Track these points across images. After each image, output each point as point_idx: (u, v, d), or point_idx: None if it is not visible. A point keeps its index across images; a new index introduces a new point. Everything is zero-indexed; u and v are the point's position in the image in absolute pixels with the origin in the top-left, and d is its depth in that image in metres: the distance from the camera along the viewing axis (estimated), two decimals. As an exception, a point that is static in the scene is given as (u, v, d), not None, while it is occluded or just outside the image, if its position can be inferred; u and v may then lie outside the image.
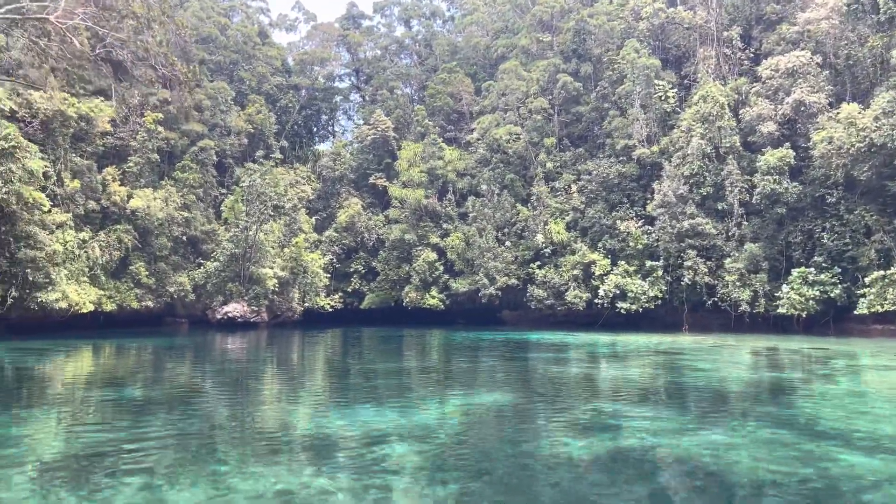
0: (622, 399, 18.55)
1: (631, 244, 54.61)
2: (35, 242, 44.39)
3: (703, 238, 51.51)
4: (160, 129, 55.10)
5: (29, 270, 44.15)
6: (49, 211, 46.62)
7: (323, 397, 19.30)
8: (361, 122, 76.01)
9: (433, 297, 63.18)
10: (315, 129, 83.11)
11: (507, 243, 60.45)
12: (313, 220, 66.92)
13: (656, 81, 57.43)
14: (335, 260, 66.73)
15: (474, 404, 17.32)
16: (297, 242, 59.25)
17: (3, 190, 40.79)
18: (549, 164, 60.93)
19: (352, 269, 68.19)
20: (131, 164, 54.09)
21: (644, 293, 52.65)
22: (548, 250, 58.64)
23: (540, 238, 58.38)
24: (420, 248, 64.12)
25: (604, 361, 30.51)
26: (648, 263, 53.84)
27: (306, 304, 61.97)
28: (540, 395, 19.32)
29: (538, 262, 59.17)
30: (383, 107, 72.33)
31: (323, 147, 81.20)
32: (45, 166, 45.96)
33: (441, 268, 63.82)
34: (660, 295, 52.86)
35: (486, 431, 14.23)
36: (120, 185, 53.07)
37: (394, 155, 69.88)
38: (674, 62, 62.57)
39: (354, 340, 47.23)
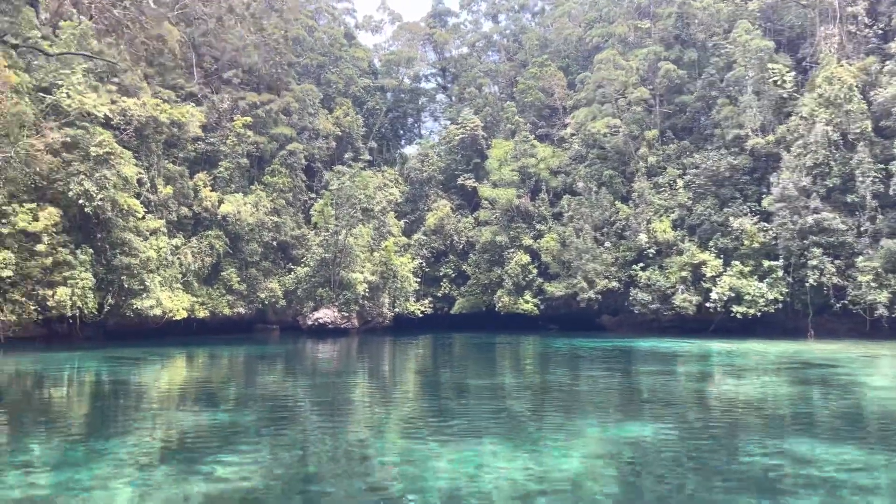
0: (800, 431, 15.13)
1: (746, 242, 50.02)
2: (130, 249, 44.28)
3: (829, 234, 46.47)
4: (249, 133, 54.55)
5: (124, 277, 44.07)
6: (143, 217, 46.54)
7: (422, 424, 16.50)
8: (448, 122, 73.89)
9: (527, 302, 60.22)
10: (401, 132, 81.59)
11: (607, 244, 56.82)
12: (402, 223, 65.17)
13: (770, 65, 52.59)
14: (424, 264, 64.76)
15: (613, 439, 14.26)
16: (386, 246, 57.56)
17: (99, 196, 40.68)
18: (651, 159, 56.92)
19: (441, 273, 66.06)
20: (221, 170, 53.71)
21: (762, 296, 48.00)
22: (651, 250, 54.68)
23: (643, 238, 54.50)
24: (512, 250, 61.29)
25: (742, 375, 26.85)
26: (766, 263, 49.13)
27: (396, 310, 60.19)
28: (692, 426, 16.00)
29: (641, 264, 55.27)
30: (471, 105, 69.92)
31: (409, 149, 79.66)
32: (139, 173, 45.91)
33: (535, 271, 60.78)
34: (780, 298, 48.08)
35: (655, 488, 10.78)
36: (211, 191, 52.75)
37: (483, 154, 67.36)
38: (788, 44, 57.40)
39: (446, 348, 44.95)
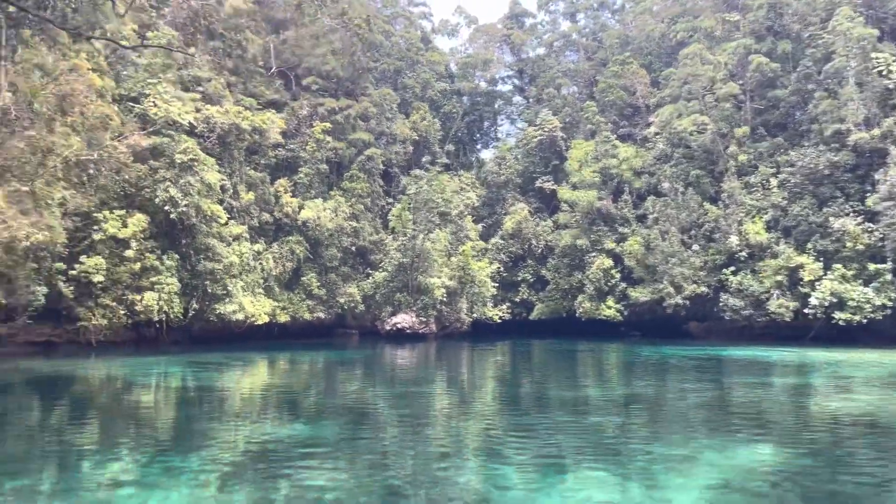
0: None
1: (848, 244, 46.68)
2: (213, 254, 45.00)
3: (945, 235, 42.80)
4: (328, 139, 54.83)
5: (208, 282, 44.81)
6: (226, 223, 47.27)
7: (507, 441, 15.12)
8: (525, 124, 72.55)
9: (609, 308, 58.21)
10: (478, 135, 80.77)
11: (695, 247, 54.25)
12: (479, 227, 64.26)
13: (874, 54, 48.99)
14: (502, 268, 63.63)
15: (732, 465, 12.51)
16: (464, 250, 56.76)
17: (184, 203, 41.45)
18: (742, 157, 54.02)
19: (519, 278, 64.77)
20: (301, 176, 54.16)
21: (868, 301, 44.61)
22: (743, 254, 51.81)
23: (734, 240, 51.71)
24: (593, 254, 59.41)
25: (854, 389, 24.55)
26: (872, 266, 45.70)
27: (474, 315, 59.27)
28: (816, 450, 14.04)
29: (732, 268, 52.48)
30: (549, 106, 68.41)
31: (486, 153, 78.76)
32: (222, 179, 46.68)
33: (617, 275, 58.70)
34: (888, 303, 44.55)
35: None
36: (291, 197, 53.25)
37: (561, 156, 65.74)
38: (892, 32, 53.44)
39: (526, 356, 43.72)
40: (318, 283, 53.89)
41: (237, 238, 48.25)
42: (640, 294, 56.34)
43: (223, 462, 12.37)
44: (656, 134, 60.77)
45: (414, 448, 13.67)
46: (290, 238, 52.51)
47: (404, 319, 54.98)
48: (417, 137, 64.21)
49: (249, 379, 29.12)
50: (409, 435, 15.07)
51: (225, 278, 45.36)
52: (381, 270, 56.69)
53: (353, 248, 56.36)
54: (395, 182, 63.54)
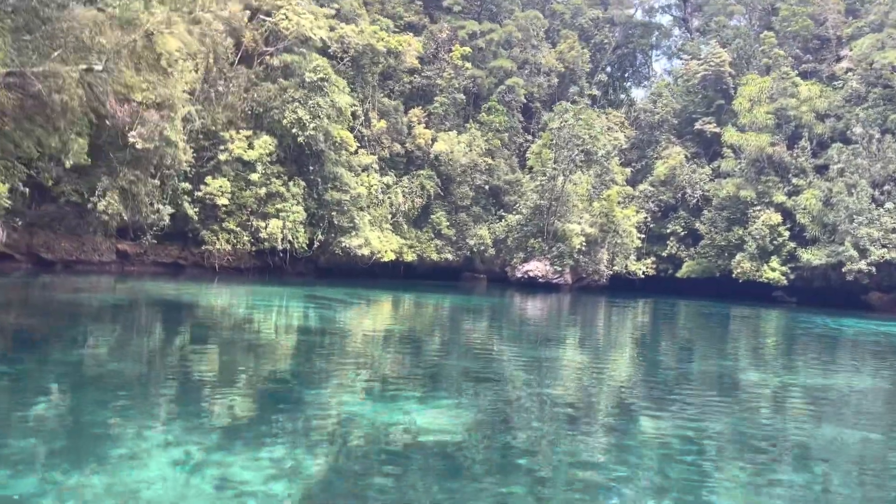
0: None
1: None
2: (341, 184, 42.47)
3: None
4: (467, 65, 50.53)
5: (334, 213, 42.43)
6: (356, 152, 44.59)
7: (651, 425, 10.83)
8: (687, 57, 64.51)
9: (773, 270, 50.93)
10: (629, 72, 73.25)
11: (888, 205, 45.78)
12: (627, 171, 58.07)
13: None
14: (649, 218, 57.39)
15: None
16: (609, 195, 51.20)
17: (312, 125, 38.81)
18: (961, 99, 44.54)
19: (668, 231, 58.28)
20: (437, 105, 50.41)
21: None
22: (954, 216, 43.06)
23: (942, 199, 42.98)
24: (759, 207, 51.97)
25: None
26: None
27: (615, 268, 53.90)
28: None
29: (936, 232, 43.89)
30: (717, 37, 60.12)
31: (637, 93, 71.45)
32: (353, 104, 43.76)
33: (786, 233, 51.12)
34: None
35: None
36: (425, 128, 49.74)
37: (728, 95, 57.84)
38: None
39: (671, 317, 38.21)
40: (448, 223, 50.47)
41: (366, 169, 45.51)
42: (812, 256, 48.73)
43: (341, 400, 11.32)
44: (848, 70, 51.71)
45: (535, 412, 11.58)
46: (422, 172, 49.20)
47: (537, 267, 50.61)
48: (563, 69, 58.46)
49: (371, 318, 26.27)
50: (532, 397, 12.61)
51: (352, 210, 42.82)
52: (514, 213, 52.40)
53: (487, 187, 52.28)
54: (535, 118, 58.48)
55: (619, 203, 52.54)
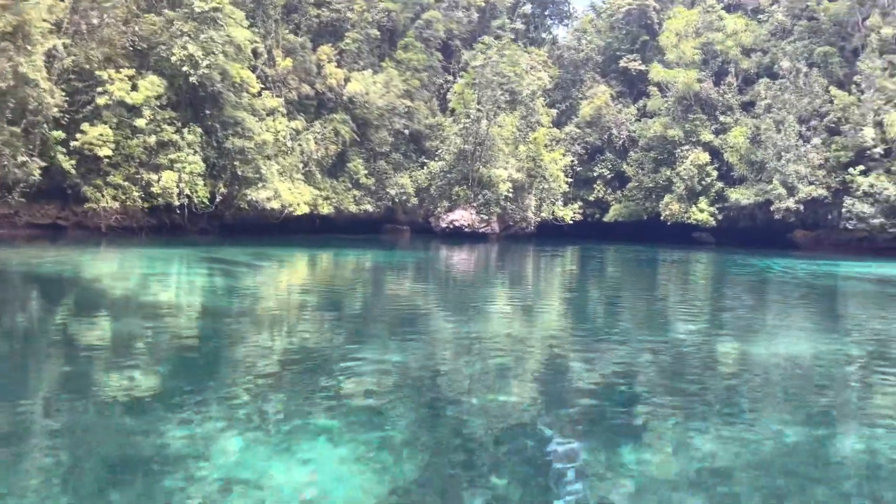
0: None
1: None
2: (243, 130, 38.03)
3: None
4: (381, -4, 46.25)
5: (237, 163, 38.04)
6: (259, 94, 40.10)
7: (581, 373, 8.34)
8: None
9: (701, 211, 49.91)
10: (549, 9, 69.92)
11: (815, 140, 45.01)
12: (554, 111, 55.47)
13: None
14: (576, 162, 55.28)
15: None
16: (535, 138, 48.58)
17: (205, 63, 34.08)
18: (887, 31, 43.70)
19: (595, 174, 56.50)
20: (349, 42, 46.09)
21: None
22: (878, 150, 42.55)
23: (868, 133, 42.36)
24: (687, 147, 50.63)
25: None
26: None
27: (542, 215, 51.71)
28: None
29: (861, 167, 43.40)
30: (642, -30, 57.61)
31: (559, 31, 68.47)
32: (254, 41, 39.05)
33: (714, 173, 50.04)
34: None
35: None
36: (336, 67, 45.39)
37: (652, 31, 55.89)
38: None
39: (599, 263, 36.29)
40: (366, 172, 46.77)
41: (272, 113, 41.08)
42: (741, 195, 47.86)
43: (257, 369, 9.63)
44: (773, 3, 50.30)
45: (465, 368, 10.40)
46: (335, 116, 45.09)
47: (463, 216, 47.82)
48: (483, 3, 54.82)
49: (283, 283, 22.73)
50: (462, 353, 11.41)
51: (257, 159, 38.53)
52: (437, 159, 49.19)
53: (407, 132, 48.68)
54: (455, 57, 54.90)
55: (545, 146, 50.02)
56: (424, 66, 49.59)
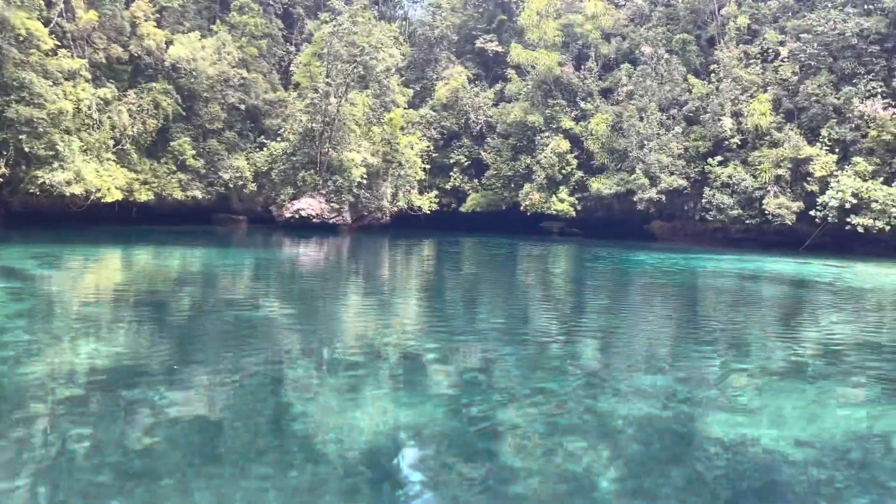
0: None
1: (873, 133, 38.03)
2: (32, 96, 30.27)
3: None
4: (210, -55, 39.43)
5: (24, 137, 30.22)
6: (54, 53, 32.34)
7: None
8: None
9: (562, 201, 47.83)
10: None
11: (676, 129, 44.17)
12: (410, 91, 51.06)
13: None
14: (432, 148, 51.34)
15: None
16: (391, 119, 43.98)
17: (-28, 5, 26.15)
18: (742, 20, 43.60)
19: (451, 161, 52.88)
20: (170, -2, 38.84)
21: (895, 203, 36.46)
22: (735, 140, 42.34)
23: (727, 123, 41.95)
24: (547, 134, 48.33)
25: None
26: (901, 162, 37.46)
27: (398, 204, 47.32)
28: None
29: (718, 157, 43.08)
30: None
31: (411, 10, 63.93)
32: (44, -17, 31.24)
33: (574, 162, 48.14)
34: (918, 208, 36.64)
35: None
36: (155, 27, 38.06)
37: (509, 10, 53.22)
38: None
39: (456, 257, 32.81)
40: (194, 152, 39.88)
41: (72, 77, 33.37)
42: (602, 185, 46.21)
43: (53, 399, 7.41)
44: (631, -13, 49.18)
45: (310, 378, 9.00)
46: (155, 85, 37.83)
47: (310, 205, 42.29)
48: (329, -33, 49.24)
49: (90, 280, 16.76)
50: (307, 362, 9.86)
51: (52, 133, 30.90)
52: (280, 139, 43.23)
53: (243, 107, 42.24)
54: (298, 27, 48.93)
55: (401, 129, 45.58)
56: (263, 33, 43.33)
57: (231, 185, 41.73)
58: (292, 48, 47.85)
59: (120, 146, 36.39)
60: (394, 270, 25.59)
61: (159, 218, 40.01)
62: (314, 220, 42.16)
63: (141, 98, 37.19)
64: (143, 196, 37.44)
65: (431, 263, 29.02)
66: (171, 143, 39.10)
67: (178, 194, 39.23)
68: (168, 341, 10.87)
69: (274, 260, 26.97)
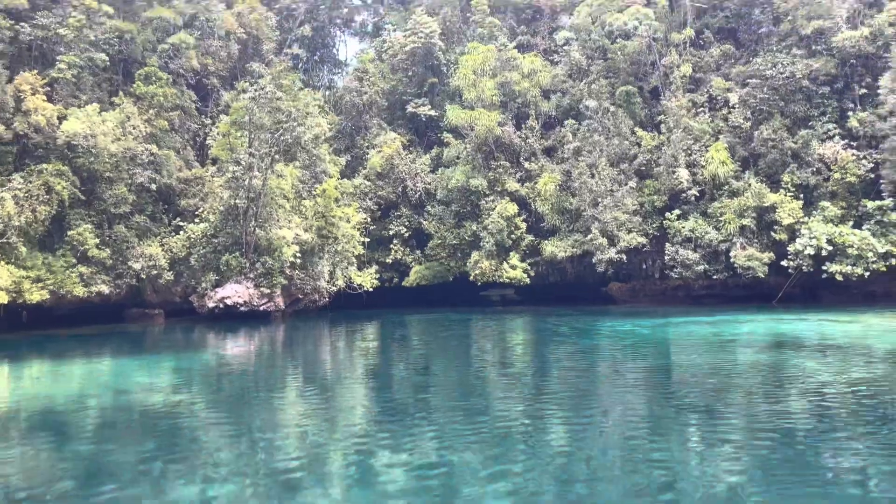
0: None
1: (836, 176, 36.34)
2: None
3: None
4: (106, 7, 34.99)
5: None
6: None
7: None
8: (392, 27, 55.75)
9: (514, 267, 44.24)
10: (319, 52, 61.83)
11: (630, 184, 41.63)
12: (343, 160, 47.05)
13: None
14: (369, 219, 47.16)
15: None
16: (325, 190, 39.77)
17: None
18: (685, 68, 42.05)
19: (391, 232, 48.74)
20: (63, 68, 34.02)
21: (871, 249, 34.42)
22: (693, 192, 40.08)
23: (683, 175, 39.71)
24: (492, 197, 45.09)
25: None
26: (869, 205, 35.68)
27: (337, 283, 42.63)
28: None
29: (676, 211, 40.66)
30: (426, 7, 52.07)
31: (338, 79, 60.38)
32: None
33: (524, 225, 44.92)
34: (894, 251, 34.73)
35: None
36: (45, 101, 33.06)
37: (440, 73, 50.50)
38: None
39: (401, 339, 28.81)
40: (97, 241, 34.42)
41: (-60, 161, 27.85)
42: (556, 248, 42.97)
43: None
44: (565, 43, 47.36)
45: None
46: (46, 167, 32.57)
47: (236, 292, 37.18)
48: (245, 35, 45.51)
49: None
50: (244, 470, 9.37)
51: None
52: (198, 221, 38.25)
53: (154, 187, 37.20)
54: (213, 98, 44.66)
55: (336, 201, 41.36)
56: (174, 105, 38.78)
57: (143, 276, 36.25)
58: (208, 121, 43.42)
59: (5, 239, 30.71)
60: (335, 360, 21.87)
61: (58, 320, 34.13)
62: (242, 308, 37.01)
63: (29, 183, 31.82)
64: (35, 296, 31.59)
65: (376, 355, 24.44)
66: (69, 233, 33.60)
67: (80, 291, 33.46)
68: (81, 467, 9.48)
69: (197, 358, 22.08)
